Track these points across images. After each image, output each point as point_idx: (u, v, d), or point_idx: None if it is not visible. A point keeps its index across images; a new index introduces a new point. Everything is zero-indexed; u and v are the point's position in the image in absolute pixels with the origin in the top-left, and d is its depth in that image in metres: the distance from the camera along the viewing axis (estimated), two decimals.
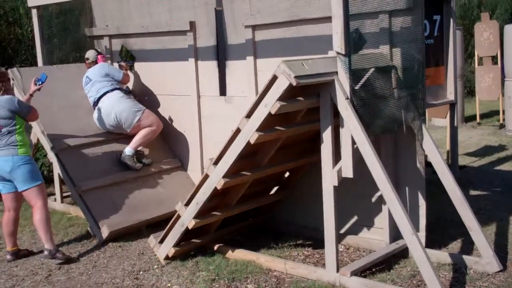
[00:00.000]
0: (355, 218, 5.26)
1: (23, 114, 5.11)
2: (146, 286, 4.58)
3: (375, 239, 5.11)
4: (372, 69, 4.37)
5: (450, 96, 5.46)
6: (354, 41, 4.22)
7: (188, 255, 5.04)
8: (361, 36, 4.32)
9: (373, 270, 4.60)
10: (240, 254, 4.99)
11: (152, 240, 5.06)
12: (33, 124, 6.02)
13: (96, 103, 6.33)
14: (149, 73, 6.77)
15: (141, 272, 4.84)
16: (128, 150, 6.15)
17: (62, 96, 6.48)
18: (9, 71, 6.31)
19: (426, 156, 4.84)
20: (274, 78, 4.01)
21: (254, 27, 5.55)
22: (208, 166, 4.60)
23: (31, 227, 6.04)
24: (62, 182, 6.70)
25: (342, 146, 4.23)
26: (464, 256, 4.67)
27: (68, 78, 6.72)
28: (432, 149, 4.64)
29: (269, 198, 5.47)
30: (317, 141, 4.42)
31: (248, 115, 4.24)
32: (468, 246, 4.95)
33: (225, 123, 5.83)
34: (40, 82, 5.54)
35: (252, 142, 4.23)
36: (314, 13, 5.00)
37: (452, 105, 5.60)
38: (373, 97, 4.32)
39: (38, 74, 5.68)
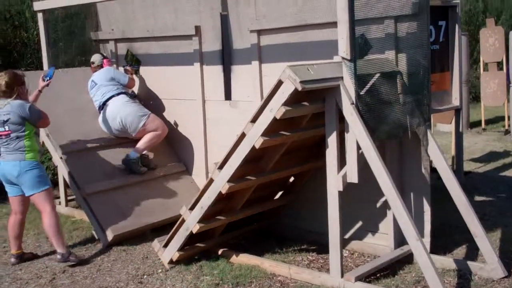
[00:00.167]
0: (359, 223, 5.25)
1: (33, 120, 5.08)
2: None
3: (379, 245, 5.10)
4: (378, 75, 4.37)
5: (455, 102, 5.46)
6: (360, 47, 4.22)
7: (192, 259, 5.04)
8: (367, 41, 4.32)
9: (378, 275, 4.59)
10: (244, 259, 4.99)
11: (156, 244, 5.06)
12: None
13: (101, 107, 6.34)
14: (154, 77, 6.78)
15: (145, 276, 4.84)
16: (133, 154, 6.16)
17: (67, 100, 6.49)
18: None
19: (431, 162, 4.84)
20: (280, 83, 4.01)
21: (260, 32, 5.56)
22: (213, 171, 4.60)
23: (36, 230, 6.06)
24: (66, 185, 6.71)
25: (347, 151, 4.23)
26: (469, 262, 4.66)
27: (73, 82, 6.74)
28: (437, 154, 4.63)
29: (273, 203, 5.47)
30: (322, 146, 4.42)
31: (253, 120, 4.24)
32: (473, 252, 4.93)
33: (230, 127, 5.83)
34: (48, 78, 5.58)
35: (257, 146, 4.23)
36: (320, 18, 5.00)
37: (457, 111, 5.60)
38: (378, 102, 4.32)
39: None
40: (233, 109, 5.96)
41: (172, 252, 4.92)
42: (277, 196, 5.54)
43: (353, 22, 4.06)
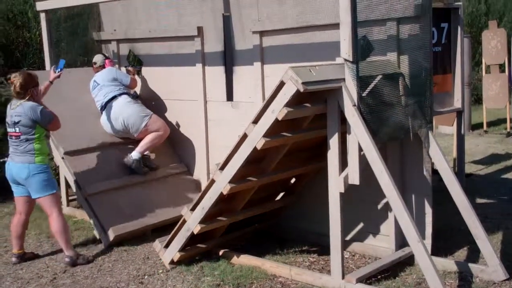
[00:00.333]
0: (361, 225, 5.25)
1: (44, 124, 5.07)
2: None
3: (381, 246, 5.10)
4: (380, 76, 4.37)
5: (457, 104, 5.46)
6: (362, 48, 4.22)
7: (193, 260, 5.04)
8: (369, 43, 4.32)
9: (379, 277, 4.59)
10: (245, 260, 4.99)
11: (157, 244, 5.06)
12: None
13: (103, 107, 6.35)
14: (156, 78, 6.79)
15: (146, 277, 4.84)
16: (135, 154, 6.16)
17: (69, 100, 6.49)
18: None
19: (432, 164, 4.83)
20: (282, 84, 4.01)
21: (262, 33, 5.56)
22: (214, 171, 4.60)
23: (37, 230, 6.07)
24: (68, 185, 6.71)
25: (349, 153, 4.23)
26: (470, 264, 4.66)
27: (75, 82, 6.74)
28: (438, 156, 4.63)
29: (275, 204, 5.47)
30: (324, 148, 4.42)
31: (255, 121, 4.24)
32: (474, 254, 4.93)
33: (231, 128, 5.84)
34: (59, 69, 5.60)
35: (258, 147, 4.23)
36: (322, 20, 5.01)
37: (459, 113, 5.60)
38: (380, 104, 4.32)
39: (46, 77, 5.71)
40: (235, 110, 5.97)
41: (173, 252, 4.92)
42: (278, 197, 5.54)
43: (355, 24, 4.06)
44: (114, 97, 6.31)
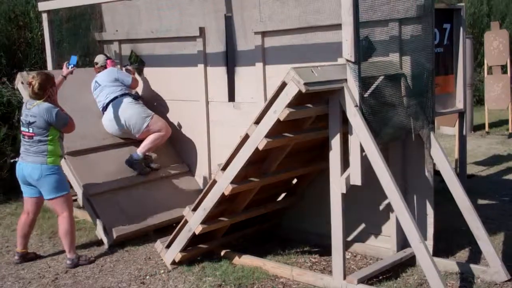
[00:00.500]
0: (362, 226, 5.25)
1: (59, 126, 5.06)
2: None
3: (382, 247, 5.09)
4: (382, 77, 4.37)
5: (459, 105, 5.46)
6: (364, 49, 4.22)
7: (194, 261, 5.04)
8: (371, 43, 4.32)
9: (380, 278, 4.58)
10: (246, 260, 4.99)
11: (159, 244, 5.06)
12: None
13: (105, 108, 6.35)
14: (158, 78, 6.79)
15: (147, 277, 4.84)
16: (137, 155, 6.16)
17: (71, 100, 6.47)
18: (18, 74, 6.35)
19: (434, 165, 4.83)
20: (283, 85, 4.01)
21: (264, 34, 5.57)
22: (216, 172, 4.60)
23: (38, 230, 6.07)
24: (70, 185, 6.70)
25: (350, 154, 4.23)
26: (472, 265, 4.65)
27: (77, 82, 6.73)
28: (440, 157, 4.63)
29: (276, 205, 5.47)
30: (326, 148, 4.42)
31: (257, 121, 4.25)
32: (476, 255, 4.93)
33: (233, 129, 5.83)
34: (72, 65, 5.62)
35: (260, 148, 4.23)
36: (324, 21, 5.01)
37: (461, 114, 5.60)
38: (382, 104, 4.32)
39: None
40: (237, 111, 5.97)
41: (174, 253, 4.92)
42: (280, 198, 5.54)
43: (357, 25, 4.05)
44: (115, 98, 6.32)
